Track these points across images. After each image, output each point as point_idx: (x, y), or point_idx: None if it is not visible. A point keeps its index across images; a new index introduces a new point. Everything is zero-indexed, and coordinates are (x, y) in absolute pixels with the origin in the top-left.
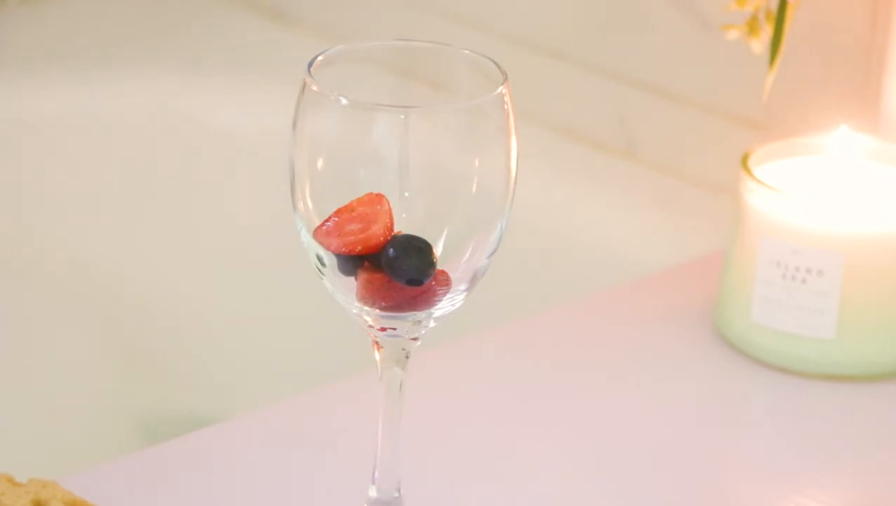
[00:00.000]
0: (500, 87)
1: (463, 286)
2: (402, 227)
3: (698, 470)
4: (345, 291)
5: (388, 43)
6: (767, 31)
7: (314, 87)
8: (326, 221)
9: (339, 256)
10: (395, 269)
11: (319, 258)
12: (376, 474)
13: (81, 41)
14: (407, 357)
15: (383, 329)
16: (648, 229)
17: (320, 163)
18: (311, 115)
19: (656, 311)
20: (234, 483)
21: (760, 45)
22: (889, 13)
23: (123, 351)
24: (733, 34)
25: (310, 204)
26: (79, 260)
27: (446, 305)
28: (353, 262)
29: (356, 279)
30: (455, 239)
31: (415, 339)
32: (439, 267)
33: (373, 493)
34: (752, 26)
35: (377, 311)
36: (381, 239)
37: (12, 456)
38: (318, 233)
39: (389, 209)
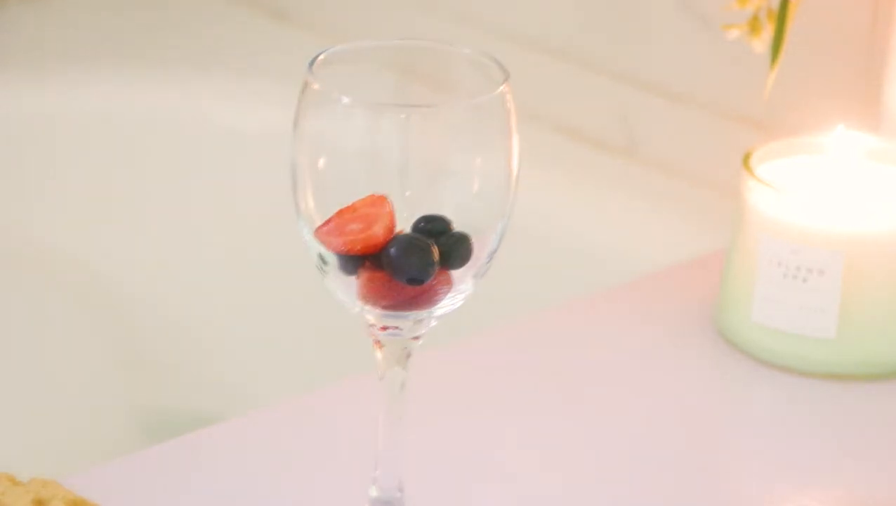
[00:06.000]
0: (501, 87)
1: (464, 285)
2: (403, 226)
3: (698, 470)
4: (346, 290)
5: (390, 42)
6: (768, 30)
7: (315, 87)
8: (328, 220)
9: (340, 255)
10: (397, 268)
11: (321, 257)
12: (378, 474)
13: (81, 41)
14: (408, 356)
15: (385, 328)
16: (649, 229)
17: (322, 162)
18: (313, 115)
19: (656, 311)
20: (235, 483)
21: (761, 44)
22: (889, 13)
23: (123, 351)
24: (734, 34)
25: (311, 203)
26: (79, 259)
27: (447, 304)
28: (355, 261)
29: (357, 278)
30: None
31: (416, 338)
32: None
33: (374, 492)
34: (754, 26)
35: (378, 310)
36: (382, 239)
37: (13, 456)
38: (319, 232)
39: (391, 211)
